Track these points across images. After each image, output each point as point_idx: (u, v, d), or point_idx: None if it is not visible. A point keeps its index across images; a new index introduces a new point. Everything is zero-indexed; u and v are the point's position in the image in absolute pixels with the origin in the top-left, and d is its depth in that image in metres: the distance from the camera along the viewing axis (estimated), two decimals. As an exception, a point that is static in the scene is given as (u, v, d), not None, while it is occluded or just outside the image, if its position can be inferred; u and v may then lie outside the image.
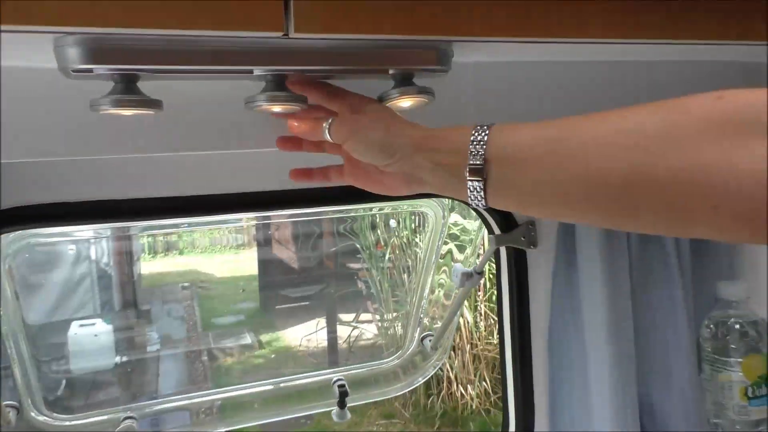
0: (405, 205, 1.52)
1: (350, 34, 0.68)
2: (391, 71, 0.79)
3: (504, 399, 1.23)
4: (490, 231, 1.18)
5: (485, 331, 4.06)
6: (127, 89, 0.71)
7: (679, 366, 1.15)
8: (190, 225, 1.65)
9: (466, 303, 3.91)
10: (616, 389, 1.10)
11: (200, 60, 0.71)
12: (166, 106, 0.80)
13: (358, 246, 4.69)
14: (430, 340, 1.47)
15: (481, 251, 1.57)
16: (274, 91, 0.75)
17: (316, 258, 5.92)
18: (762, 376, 1.17)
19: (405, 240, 4.12)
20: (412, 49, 0.77)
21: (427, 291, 1.51)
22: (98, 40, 0.66)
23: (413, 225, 3.91)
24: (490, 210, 1.14)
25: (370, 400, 1.48)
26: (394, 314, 4.25)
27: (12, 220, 0.93)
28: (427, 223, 1.42)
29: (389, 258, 4.34)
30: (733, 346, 1.18)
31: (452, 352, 4.12)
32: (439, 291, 1.57)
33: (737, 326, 1.19)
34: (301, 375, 1.45)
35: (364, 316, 5.33)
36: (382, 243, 4.41)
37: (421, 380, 1.53)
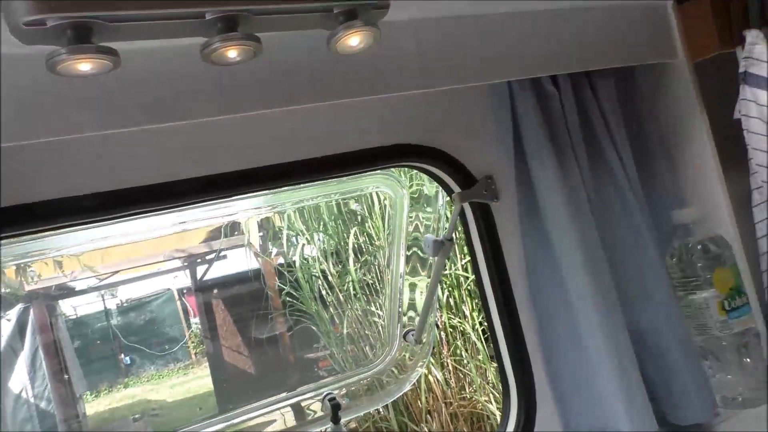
0: (370, 185, 1.51)
1: None
2: (335, 11, 0.84)
3: (498, 358, 1.21)
4: (450, 192, 1.21)
5: (457, 386, 3.96)
6: (82, 41, 0.71)
7: (657, 287, 1.18)
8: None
9: (432, 360, 3.82)
10: (603, 317, 1.11)
11: (151, 3, 0.73)
12: (124, 79, 0.81)
13: (314, 328, 4.58)
14: (412, 335, 1.44)
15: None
16: (227, 32, 0.78)
17: (273, 355, 5.71)
18: (733, 287, 1.21)
19: (360, 311, 4.06)
20: (351, -17, 0.83)
21: (401, 281, 1.49)
22: (48, -12, 0.68)
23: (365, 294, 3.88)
24: (447, 167, 1.17)
25: (367, 410, 1.41)
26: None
27: None
28: (390, 204, 1.41)
29: (348, 333, 4.25)
30: (699, 265, 1.22)
31: (428, 416, 3.97)
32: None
33: (699, 246, 1.23)
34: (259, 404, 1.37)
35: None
36: (337, 321, 4.32)
37: (414, 379, 1.47)
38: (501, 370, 1.21)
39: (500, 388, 1.24)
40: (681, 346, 1.19)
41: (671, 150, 1.30)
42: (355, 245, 3.90)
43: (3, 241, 0.96)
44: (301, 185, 1.22)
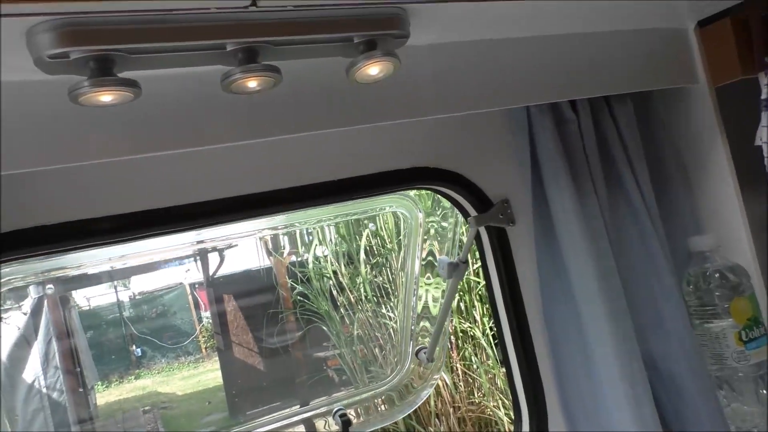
0: (386, 206, 1.51)
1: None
2: (355, 40, 0.83)
3: (510, 381, 1.20)
4: (467, 215, 1.20)
5: (465, 390, 3.96)
6: (104, 72, 0.71)
7: (672, 314, 1.17)
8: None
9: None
10: (617, 344, 1.10)
11: (173, 36, 0.73)
12: (143, 105, 0.81)
13: (324, 328, 4.59)
14: (425, 353, 1.44)
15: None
16: (247, 64, 0.78)
17: (283, 352, 5.72)
18: (751, 317, 1.20)
19: (370, 313, 4.06)
20: (372, 15, 0.82)
21: (414, 300, 1.49)
22: (71, 23, 0.68)
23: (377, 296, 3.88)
24: (464, 190, 1.17)
25: (382, 425, 1.41)
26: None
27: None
28: (404, 223, 1.42)
29: (358, 335, 4.26)
30: (717, 294, 1.21)
31: (437, 420, 3.97)
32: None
33: (717, 275, 1.22)
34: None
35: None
36: (348, 322, 4.32)
37: (426, 394, 1.48)
38: (513, 393, 1.21)
39: (509, 393, 1.24)
40: (695, 375, 1.17)
41: (690, 176, 1.29)
42: (367, 247, 3.90)
43: (21, 259, 0.97)
44: (319, 206, 1.22)
